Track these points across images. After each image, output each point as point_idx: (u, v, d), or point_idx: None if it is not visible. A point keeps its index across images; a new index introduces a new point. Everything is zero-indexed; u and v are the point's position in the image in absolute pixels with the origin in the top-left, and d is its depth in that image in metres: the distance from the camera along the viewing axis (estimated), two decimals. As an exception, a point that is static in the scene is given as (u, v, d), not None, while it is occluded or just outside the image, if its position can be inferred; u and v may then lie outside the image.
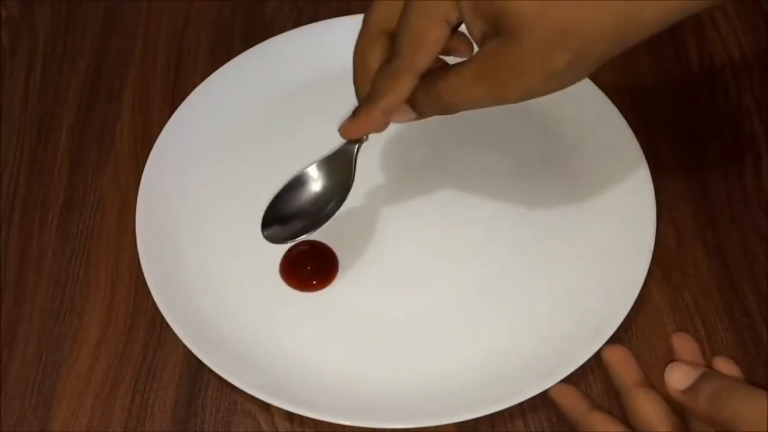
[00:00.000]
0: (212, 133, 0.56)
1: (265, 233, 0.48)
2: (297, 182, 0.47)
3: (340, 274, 0.51)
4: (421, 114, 0.42)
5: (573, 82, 0.38)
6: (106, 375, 0.48)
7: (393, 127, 0.58)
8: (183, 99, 0.56)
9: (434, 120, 0.58)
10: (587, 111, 0.55)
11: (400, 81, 0.40)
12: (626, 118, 0.54)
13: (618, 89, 0.56)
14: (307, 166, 0.47)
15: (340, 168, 0.46)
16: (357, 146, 0.46)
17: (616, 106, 0.55)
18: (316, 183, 0.47)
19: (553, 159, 0.55)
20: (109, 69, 0.60)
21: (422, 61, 0.39)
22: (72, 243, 0.53)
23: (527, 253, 0.51)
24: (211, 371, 0.46)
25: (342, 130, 0.43)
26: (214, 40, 0.62)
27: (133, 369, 0.48)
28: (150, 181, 0.53)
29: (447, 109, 0.41)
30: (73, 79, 0.60)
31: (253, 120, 0.57)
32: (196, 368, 0.48)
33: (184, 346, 0.47)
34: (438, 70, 0.40)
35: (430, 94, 0.41)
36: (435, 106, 0.41)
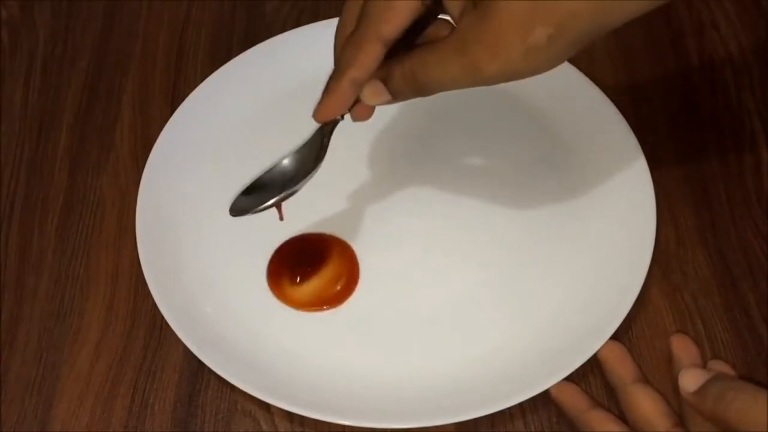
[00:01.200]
0: (212, 133, 0.56)
1: (231, 210, 0.45)
2: (269, 169, 0.46)
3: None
4: (395, 95, 0.40)
5: (552, 64, 0.36)
6: (106, 375, 0.48)
7: (390, 126, 0.58)
8: (183, 99, 0.56)
9: (434, 118, 0.58)
10: (587, 111, 0.55)
11: (365, 49, 0.38)
12: (626, 118, 0.54)
13: (618, 89, 0.56)
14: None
15: (314, 146, 0.44)
16: (332, 127, 0.43)
17: (616, 106, 0.55)
18: (288, 160, 0.45)
19: (553, 159, 0.55)
20: (109, 69, 0.60)
21: (388, 29, 0.37)
22: (72, 243, 0.53)
23: (527, 254, 0.51)
24: (211, 371, 0.46)
25: (315, 114, 0.41)
26: (214, 40, 0.61)
27: (133, 369, 0.48)
28: (150, 181, 0.53)
29: (421, 88, 0.39)
30: (73, 79, 0.60)
31: (253, 120, 0.57)
32: (196, 368, 0.48)
33: (184, 346, 0.47)
34: (414, 48, 0.39)
35: (405, 72, 0.39)
36: (409, 85, 0.39)
